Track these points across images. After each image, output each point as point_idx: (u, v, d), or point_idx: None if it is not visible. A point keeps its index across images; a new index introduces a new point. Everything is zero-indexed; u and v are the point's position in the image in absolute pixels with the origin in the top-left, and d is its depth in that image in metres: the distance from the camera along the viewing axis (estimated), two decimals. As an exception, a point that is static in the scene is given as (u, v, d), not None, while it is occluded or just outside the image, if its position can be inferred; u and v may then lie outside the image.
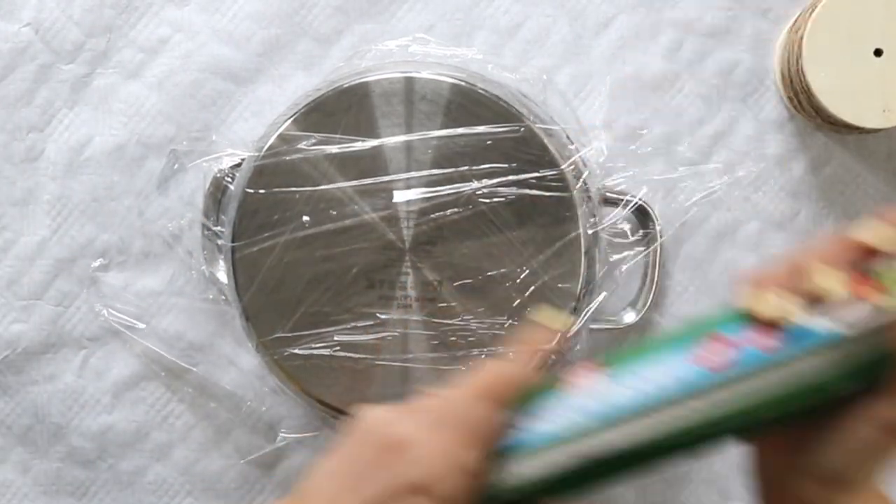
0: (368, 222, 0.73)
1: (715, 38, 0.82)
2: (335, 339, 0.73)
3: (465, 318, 0.73)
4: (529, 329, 0.58)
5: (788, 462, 0.54)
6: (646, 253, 0.81)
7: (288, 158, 0.73)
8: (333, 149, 0.73)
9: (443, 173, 0.72)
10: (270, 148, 0.73)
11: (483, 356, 0.72)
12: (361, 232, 0.73)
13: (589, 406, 0.52)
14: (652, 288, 0.81)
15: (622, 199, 0.80)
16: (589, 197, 0.74)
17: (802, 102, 0.79)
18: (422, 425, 0.54)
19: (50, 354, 0.84)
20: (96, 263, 0.84)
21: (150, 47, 0.83)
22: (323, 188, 0.73)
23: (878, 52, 0.76)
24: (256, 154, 0.74)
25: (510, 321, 0.72)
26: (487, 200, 0.72)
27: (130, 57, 0.83)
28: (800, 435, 0.53)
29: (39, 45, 0.83)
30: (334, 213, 0.73)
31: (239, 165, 0.76)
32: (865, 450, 0.51)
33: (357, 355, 0.73)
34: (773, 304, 0.51)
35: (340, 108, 0.73)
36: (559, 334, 0.57)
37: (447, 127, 0.72)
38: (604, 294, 0.78)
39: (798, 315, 0.50)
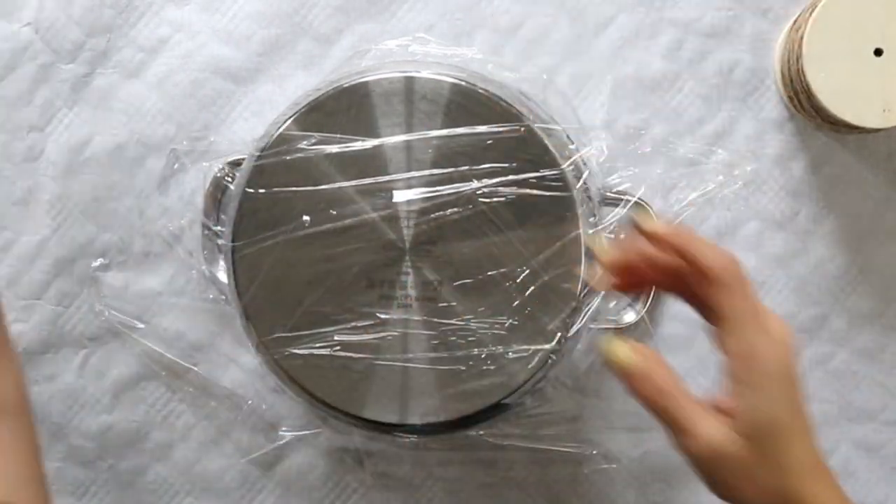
0: (368, 222, 0.73)
1: (715, 37, 0.82)
2: (335, 338, 0.73)
3: (465, 317, 0.73)
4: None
5: None
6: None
7: (288, 158, 0.73)
8: (333, 148, 0.73)
9: (443, 173, 0.72)
10: (270, 147, 0.73)
11: (483, 356, 0.72)
12: (361, 232, 0.73)
13: None
14: (652, 288, 0.81)
15: (622, 199, 0.80)
16: (589, 197, 0.74)
17: (802, 102, 0.79)
18: None
19: (50, 354, 0.84)
20: (96, 263, 0.84)
21: (151, 47, 0.83)
22: (323, 188, 0.73)
23: (878, 52, 0.76)
24: (256, 154, 0.74)
25: (510, 321, 0.72)
26: (488, 200, 0.72)
27: (130, 56, 0.83)
28: None
29: (39, 45, 0.83)
30: (334, 212, 0.73)
31: (239, 165, 0.76)
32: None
33: (357, 355, 0.73)
34: None
35: (340, 108, 0.73)
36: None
37: (447, 126, 0.72)
38: (603, 294, 0.78)
39: None
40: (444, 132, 0.72)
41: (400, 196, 0.73)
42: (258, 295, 0.74)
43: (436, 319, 0.73)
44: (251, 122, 0.83)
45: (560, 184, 0.72)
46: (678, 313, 0.83)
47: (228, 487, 0.84)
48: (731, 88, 0.83)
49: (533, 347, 0.72)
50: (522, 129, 0.72)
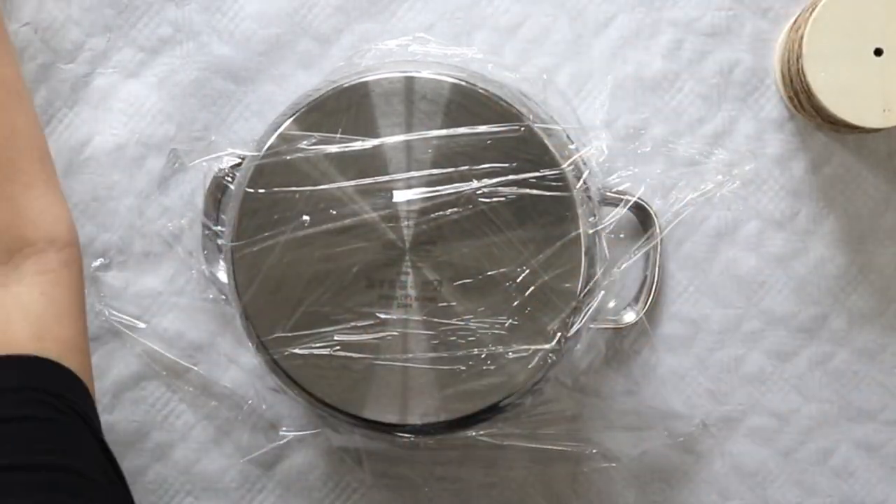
0: (368, 222, 0.73)
1: (715, 37, 0.82)
2: (335, 338, 0.73)
3: (465, 317, 0.73)
4: None
5: None
6: (646, 252, 0.81)
7: (288, 158, 0.73)
8: (333, 148, 0.73)
9: (443, 173, 0.72)
10: (270, 147, 0.73)
11: (483, 356, 0.72)
12: (361, 231, 0.73)
13: None
14: (652, 287, 0.81)
15: (622, 199, 0.80)
16: (589, 196, 0.74)
17: (802, 102, 0.79)
18: None
19: (50, 354, 0.84)
20: (97, 263, 0.84)
21: (151, 47, 0.83)
22: (323, 188, 0.73)
23: (878, 52, 0.76)
24: (257, 154, 0.74)
25: (510, 321, 0.72)
26: (487, 200, 0.72)
27: (130, 56, 0.83)
28: None
29: (39, 45, 0.83)
30: (334, 212, 0.73)
31: (239, 165, 0.76)
32: None
33: (357, 355, 0.73)
34: None
35: (340, 108, 0.73)
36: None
37: (447, 126, 0.72)
38: (603, 294, 0.78)
39: None
40: (444, 132, 0.72)
41: (400, 196, 0.73)
42: (258, 295, 0.74)
43: (436, 319, 0.73)
44: (251, 122, 0.83)
45: (560, 184, 0.72)
46: (678, 313, 0.83)
47: (228, 487, 0.84)
48: (731, 88, 0.83)
49: (533, 347, 0.72)
50: (522, 128, 0.72)
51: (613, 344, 0.83)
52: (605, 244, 0.76)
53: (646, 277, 0.81)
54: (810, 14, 0.77)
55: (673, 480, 0.84)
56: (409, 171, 0.72)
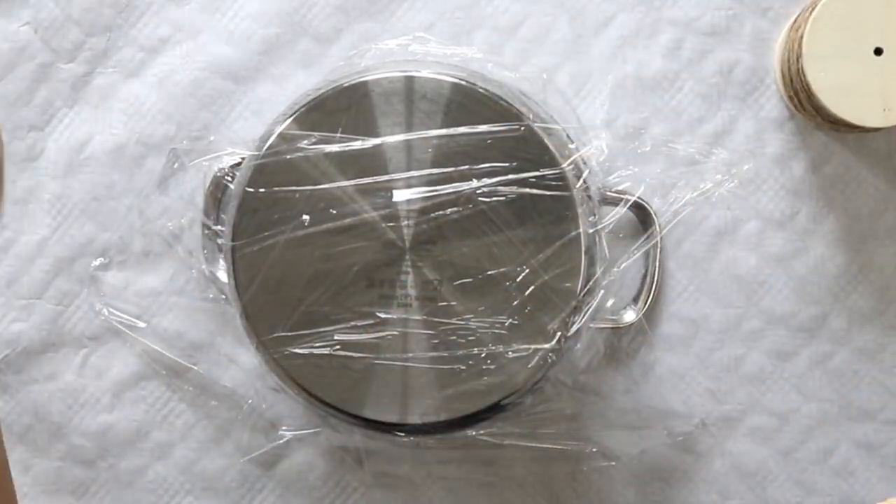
0: (368, 221, 0.73)
1: (715, 37, 0.82)
2: (335, 338, 0.73)
3: (465, 317, 0.73)
4: None
5: None
6: (646, 252, 0.81)
7: (288, 157, 0.73)
8: (333, 148, 0.73)
9: (443, 172, 0.72)
10: (270, 147, 0.73)
11: (483, 355, 0.72)
12: (361, 231, 0.73)
13: None
14: (652, 287, 0.81)
15: (622, 198, 0.80)
16: (589, 196, 0.74)
17: (802, 101, 0.79)
18: None
19: (50, 353, 0.84)
20: (96, 262, 0.84)
21: (151, 46, 0.83)
22: (323, 187, 0.73)
23: (878, 51, 0.76)
24: (256, 153, 0.74)
25: (510, 320, 0.72)
26: (487, 199, 0.72)
27: (130, 56, 0.83)
28: None
29: (39, 45, 0.83)
30: (334, 212, 0.73)
31: (239, 164, 0.76)
32: None
33: (357, 354, 0.73)
34: None
35: (340, 108, 0.73)
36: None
37: (447, 126, 0.72)
38: (603, 293, 0.78)
39: None
40: (444, 131, 0.72)
41: (400, 195, 0.73)
42: (258, 294, 0.74)
43: (436, 319, 0.73)
44: (251, 122, 0.83)
45: (560, 183, 0.72)
46: (677, 312, 0.83)
47: (228, 487, 0.84)
48: (731, 88, 0.83)
49: (532, 347, 0.72)
50: (522, 128, 0.72)
51: (613, 343, 0.83)
52: (604, 243, 0.76)
53: (645, 277, 0.81)
54: (810, 13, 0.77)
55: (673, 480, 0.84)
56: (409, 170, 0.72)
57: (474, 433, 0.76)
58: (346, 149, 0.73)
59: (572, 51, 0.83)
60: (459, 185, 0.72)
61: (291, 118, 0.74)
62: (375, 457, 0.83)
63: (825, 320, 0.83)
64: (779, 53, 0.82)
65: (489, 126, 0.72)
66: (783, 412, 0.84)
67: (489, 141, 0.72)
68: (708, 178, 0.83)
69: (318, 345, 0.73)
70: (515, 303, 0.72)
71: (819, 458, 0.84)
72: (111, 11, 0.83)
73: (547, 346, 0.72)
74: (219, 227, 0.78)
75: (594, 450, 0.82)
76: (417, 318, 0.73)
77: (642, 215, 0.81)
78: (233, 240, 0.74)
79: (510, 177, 0.72)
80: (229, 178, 0.77)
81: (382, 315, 0.73)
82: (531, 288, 0.72)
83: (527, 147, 0.72)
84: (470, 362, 0.72)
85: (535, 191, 0.72)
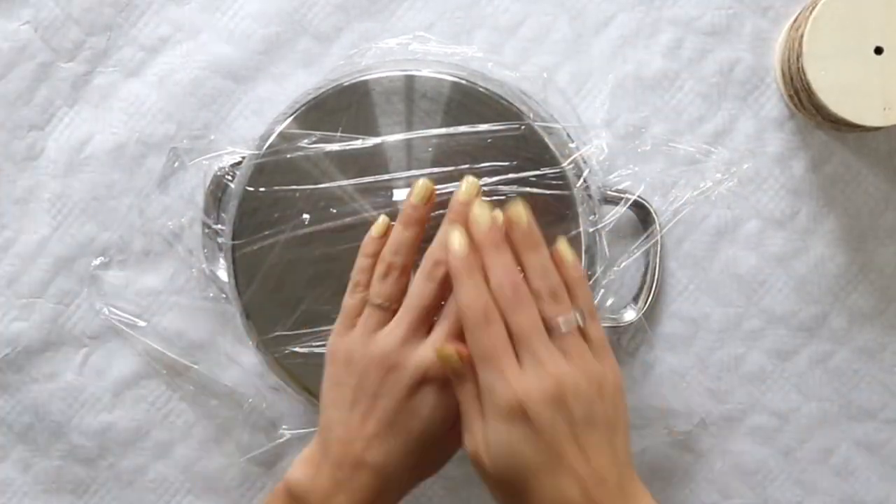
0: (369, 220, 0.73)
1: (715, 36, 0.82)
2: (335, 337, 0.73)
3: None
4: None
5: None
6: (646, 251, 0.81)
7: (288, 156, 0.73)
8: (334, 147, 0.73)
9: (443, 171, 0.72)
10: (271, 146, 0.73)
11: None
12: (362, 230, 0.73)
13: None
14: (652, 286, 0.81)
15: (622, 197, 0.80)
16: (589, 195, 0.74)
17: (803, 101, 0.79)
18: (403, 334, 0.66)
19: (50, 353, 0.84)
20: (97, 262, 0.84)
21: (151, 46, 0.83)
22: (323, 186, 0.73)
23: (878, 51, 0.76)
24: (257, 152, 0.74)
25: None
26: (488, 199, 0.72)
27: (131, 55, 0.83)
28: None
29: (39, 44, 0.83)
30: (335, 211, 0.73)
31: (239, 164, 0.76)
32: None
33: (357, 353, 0.73)
34: None
35: (341, 107, 0.73)
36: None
37: (447, 125, 0.72)
38: (603, 292, 0.78)
39: None
40: (445, 131, 0.72)
41: (400, 195, 0.73)
42: (258, 293, 0.74)
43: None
44: (251, 121, 0.83)
45: (560, 182, 0.72)
46: (677, 312, 0.83)
47: (229, 486, 0.84)
48: (732, 87, 0.83)
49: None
50: (522, 127, 0.72)
51: (613, 342, 0.83)
52: (605, 242, 0.76)
53: (646, 276, 0.81)
54: (810, 13, 0.77)
55: (673, 479, 0.84)
56: (409, 169, 0.72)
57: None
58: (347, 148, 0.73)
59: (572, 50, 0.83)
60: (460, 185, 0.72)
61: (292, 117, 0.74)
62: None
63: (825, 320, 0.83)
64: (779, 53, 0.82)
65: (489, 125, 0.72)
66: (783, 411, 0.84)
67: (489, 140, 0.72)
68: (708, 177, 0.83)
69: (318, 344, 0.73)
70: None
71: (819, 457, 0.84)
72: (111, 11, 0.83)
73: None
74: (219, 227, 0.78)
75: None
76: (418, 317, 0.73)
77: (642, 214, 0.81)
78: (233, 239, 0.74)
79: (510, 176, 0.72)
80: (229, 178, 0.77)
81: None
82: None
83: (527, 146, 0.72)
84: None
85: (535, 190, 0.72)
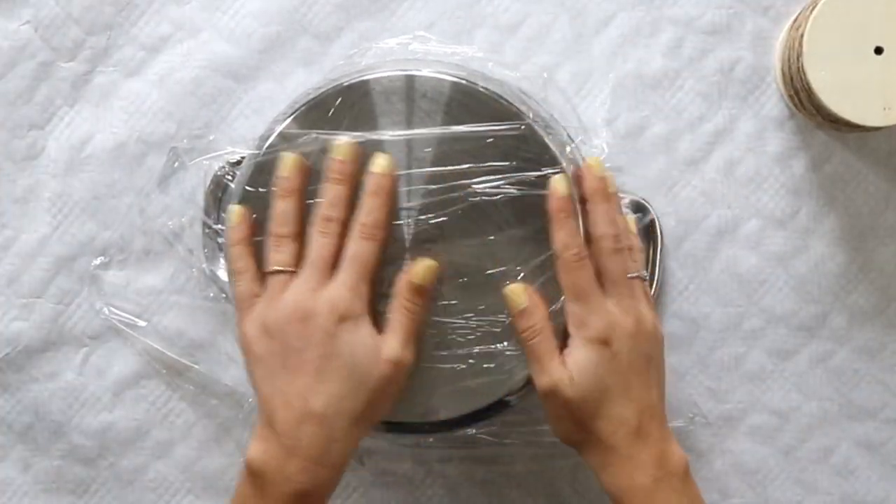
0: (369, 220, 0.72)
1: (715, 35, 0.82)
2: (335, 336, 0.73)
3: (465, 315, 0.72)
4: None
5: None
6: (646, 251, 0.81)
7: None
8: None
9: (443, 171, 0.72)
10: (271, 146, 0.73)
11: (483, 354, 0.72)
12: (362, 230, 0.73)
13: None
14: (652, 286, 0.81)
15: (623, 197, 0.80)
16: (589, 195, 0.74)
17: (803, 100, 0.79)
18: (309, 285, 0.69)
19: (50, 352, 0.84)
20: (97, 261, 0.84)
21: (151, 45, 0.83)
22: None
23: (878, 51, 0.76)
24: (257, 152, 0.74)
25: (510, 319, 0.72)
26: (488, 198, 0.72)
27: (131, 55, 0.83)
28: None
29: (39, 43, 0.83)
30: (335, 210, 0.73)
31: (239, 163, 0.76)
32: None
33: (357, 353, 0.73)
34: None
35: (341, 106, 0.73)
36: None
37: (447, 125, 0.72)
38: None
39: None
40: (445, 130, 0.72)
41: (400, 194, 0.72)
42: (258, 293, 0.74)
43: (436, 317, 0.73)
44: (252, 120, 0.83)
45: (560, 182, 0.72)
46: (678, 311, 0.83)
47: (229, 486, 0.84)
48: (732, 86, 0.83)
49: (533, 346, 0.72)
50: (523, 127, 0.72)
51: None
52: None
53: (646, 276, 0.81)
54: (811, 12, 0.77)
55: (673, 479, 0.84)
56: (409, 169, 0.72)
57: (474, 432, 0.76)
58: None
59: (573, 50, 0.83)
60: (460, 184, 0.72)
61: (292, 117, 0.73)
62: (376, 455, 0.83)
63: (825, 319, 0.83)
64: (779, 52, 0.82)
65: (489, 125, 0.72)
66: (784, 411, 0.84)
67: (489, 140, 0.72)
68: (708, 176, 0.83)
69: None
70: (516, 302, 0.72)
71: (819, 456, 0.84)
72: (112, 10, 0.83)
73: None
74: (219, 226, 0.78)
75: (594, 448, 0.82)
76: (418, 316, 0.73)
77: (643, 214, 0.81)
78: (233, 238, 0.74)
79: (511, 176, 0.72)
80: (230, 177, 0.77)
81: (383, 314, 0.72)
82: (531, 287, 0.72)
83: (527, 146, 0.72)
84: (470, 361, 0.72)
85: (535, 190, 0.72)
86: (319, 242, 0.70)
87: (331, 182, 0.71)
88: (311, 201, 0.72)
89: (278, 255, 0.71)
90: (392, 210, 0.71)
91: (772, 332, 0.83)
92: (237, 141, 0.82)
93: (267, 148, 0.73)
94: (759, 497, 0.84)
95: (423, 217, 0.72)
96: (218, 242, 0.78)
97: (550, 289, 0.72)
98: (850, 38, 0.76)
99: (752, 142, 0.83)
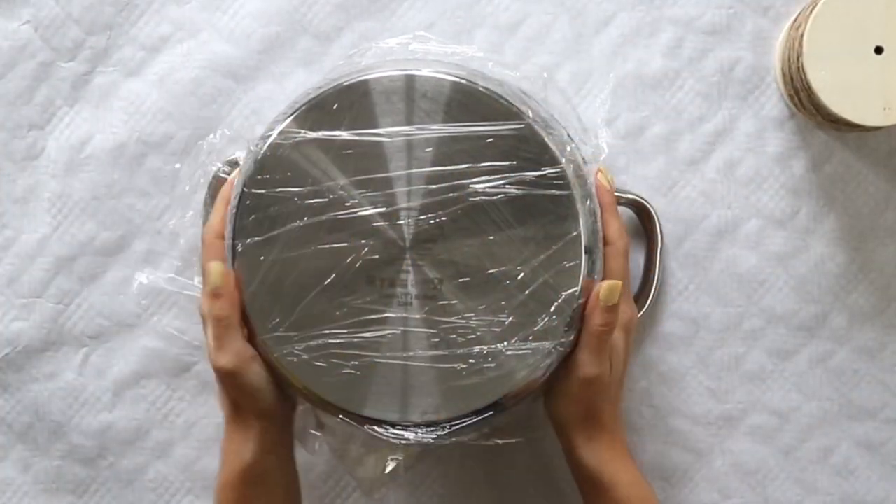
0: (369, 220, 0.73)
1: (715, 35, 0.82)
2: (335, 336, 0.73)
3: (465, 315, 0.72)
4: None
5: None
6: (646, 251, 0.81)
7: (288, 156, 0.73)
8: (334, 146, 0.73)
9: (443, 171, 0.72)
10: (271, 146, 0.73)
11: (484, 354, 0.72)
12: (361, 230, 0.73)
13: None
14: (653, 286, 0.81)
15: (623, 197, 0.80)
16: (590, 195, 0.74)
17: (803, 100, 0.79)
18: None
19: (50, 352, 0.84)
20: (97, 262, 0.84)
21: (151, 45, 0.83)
22: (323, 186, 0.73)
23: (878, 50, 0.76)
24: (257, 152, 0.74)
25: (511, 319, 0.72)
26: (488, 198, 0.72)
27: (131, 55, 0.83)
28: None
29: (39, 43, 0.83)
30: (334, 210, 0.73)
31: (239, 163, 0.76)
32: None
33: (357, 353, 0.73)
34: None
35: (341, 106, 0.73)
36: None
37: (448, 124, 0.72)
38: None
39: None
40: (445, 130, 0.72)
41: (400, 194, 0.72)
42: (258, 292, 0.74)
43: (436, 317, 0.73)
44: (251, 120, 0.83)
45: (560, 182, 0.72)
46: (678, 311, 0.83)
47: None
48: (732, 86, 0.83)
49: (533, 345, 0.72)
50: (523, 127, 0.72)
51: (614, 342, 0.83)
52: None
53: (646, 276, 0.81)
54: (811, 12, 0.77)
55: (673, 479, 0.84)
56: (409, 168, 0.72)
57: (475, 431, 0.76)
58: (347, 147, 0.73)
59: (573, 50, 0.83)
60: (460, 184, 0.72)
61: (292, 117, 0.73)
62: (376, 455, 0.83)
63: (825, 319, 0.83)
64: (779, 52, 0.82)
65: (489, 125, 0.72)
66: (783, 411, 0.84)
67: (489, 140, 0.72)
68: (708, 176, 0.83)
69: (318, 343, 0.73)
70: (516, 301, 0.72)
71: (819, 456, 0.84)
72: (112, 10, 0.83)
73: (547, 344, 0.72)
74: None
75: (594, 448, 0.82)
76: (418, 316, 0.73)
77: (643, 214, 0.81)
78: (232, 238, 0.74)
79: (511, 175, 0.72)
80: (228, 176, 0.77)
81: (383, 313, 0.73)
82: (532, 287, 0.72)
83: (527, 146, 0.72)
84: (470, 361, 0.72)
85: (535, 190, 0.72)
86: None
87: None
88: (310, 201, 0.72)
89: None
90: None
91: (772, 332, 0.83)
92: (237, 141, 0.82)
93: (267, 148, 0.73)
94: (759, 497, 0.84)
95: (423, 217, 0.72)
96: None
97: (550, 289, 0.72)
98: (850, 38, 0.76)
99: (752, 142, 0.83)
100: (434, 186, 0.72)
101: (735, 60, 0.82)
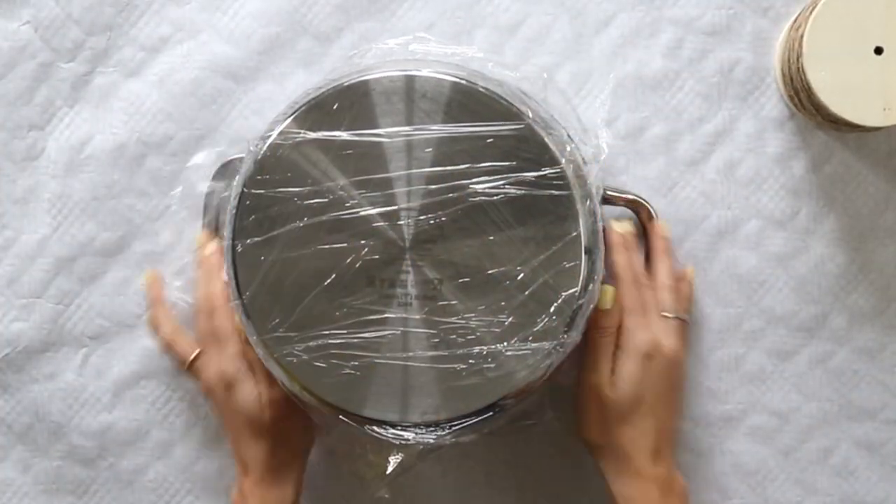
0: (369, 220, 0.73)
1: (715, 36, 0.82)
2: (335, 336, 0.73)
3: (465, 316, 0.72)
4: None
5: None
6: (646, 251, 0.81)
7: (288, 156, 0.73)
8: (333, 147, 0.73)
9: (443, 171, 0.72)
10: (271, 146, 0.73)
11: (483, 354, 0.72)
12: (361, 230, 0.73)
13: None
14: (652, 286, 0.81)
15: (623, 198, 0.80)
16: (589, 195, 0.74)
17: (803, 101, 0.79)
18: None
19: (50, 353, 0.84)
20: (97, 262, 0.84)
21: (151, 46, 0.83)
22: (323, 186, 0.73)
23: (878, 51, 0.76)
24: (257, 152, 0.74)
25: (510, 319, 0.72)
26: (488, 198, 0.72)
27: (131, 55, 0.83)
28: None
29: (39, 44, 0.83)
30: (334, 210, 0.73)
31: (239, 164, 0.76)
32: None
33: (357, 353, 0.73)
34: None
35: (341, 106, 0.73)
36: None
37: (447, 125, 0.72)
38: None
39: None
40: (445, 130, 0.72)
41: (400, 194, 0.73)
42: (258, 293, 0.74)
43: (436, 318, 0.73)
44: (251, 121, 0.83)
45: (560, 182, 0.72)
46: (678, 312, 0.83)
47: (229, 486, 0.84)
48: (732, 87, 0.83)
49: (533, 345, 0.72)
50: (522, 127, 0.72)
51: (614, 342, 0.83)
52: (605, 243, 0.76)
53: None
54: (811, 13, 0.77)
55: (673, 479, 0.84)
56: (409, 169, 0.72)
57: (475, 431, 0.76)
58: (347, 148, 0.73)
59: (573, 50, 0.83)
60: (459, 184, 0.72)
61: (292, 117, 0.73)
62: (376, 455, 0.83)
63: (825, 320, 0.83)
64: (779, 53, 0.82)
65: (489, 125, 0.72)
66: (783, 411, 0.84)
67: (489, 140, 0.72)
68: (708, 177, 0.83)
69: (318, 343, 0.73)
70: (516, 302, 0.72)
71: (819, 457, 0.84)
72: (112, 10, 0.83)
73: (547, 344, 0.72)
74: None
75: (594, 449, 0.82)
76: (418, 316, 0.73)
77: (643, 215, 0.81)
78: (233, 238, 0.74)
79: (510, 176, 0.72)
80: (230, 177, 0.77)
81: (383, 314, 0.73)
82: (531, 287, 0.72)
83: (527, 146, 0.72)
84: (470, 361, 0.72)
85: (535, 190, 0.72)
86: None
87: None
88: (310, 202, 0.72)
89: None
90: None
91: (771, 333, 0.83)
92: (237, 141, 0.82)
93: (267, 148, 0.73)
94: (759, 497, 0.84)
95: (423, 217, 0.72)
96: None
97: (550, 289, 0.72)
98: (850, 38, 0.76)
99: (752, 142, 0.83)
100: (434, 187, 0.72)
101: (735, 61, 0.82)
